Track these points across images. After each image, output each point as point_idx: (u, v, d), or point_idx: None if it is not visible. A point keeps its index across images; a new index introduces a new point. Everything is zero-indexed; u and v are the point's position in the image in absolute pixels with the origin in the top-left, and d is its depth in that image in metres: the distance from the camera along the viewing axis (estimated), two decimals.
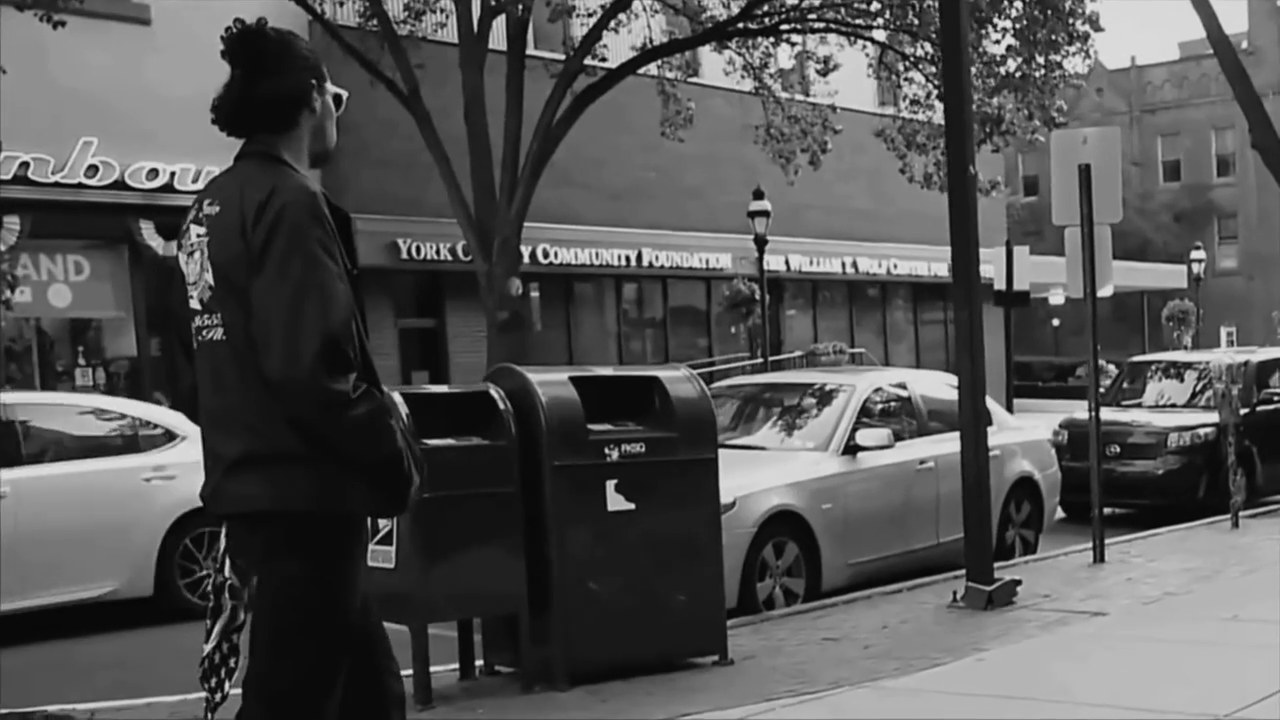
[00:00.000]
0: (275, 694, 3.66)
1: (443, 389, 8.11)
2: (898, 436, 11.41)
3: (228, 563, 3.76)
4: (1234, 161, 61.06)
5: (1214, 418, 14.65)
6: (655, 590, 7.74)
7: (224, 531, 3.77)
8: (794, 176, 26.18)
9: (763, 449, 11.02)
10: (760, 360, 28.71)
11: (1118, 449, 15.69)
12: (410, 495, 3.67)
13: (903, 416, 11.86)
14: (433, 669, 8.05)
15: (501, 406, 7.50)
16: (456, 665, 8.01)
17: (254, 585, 3.70)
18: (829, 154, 26.26)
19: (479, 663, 8.02)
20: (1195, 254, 46.77)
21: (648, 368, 8.46)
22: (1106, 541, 12.17)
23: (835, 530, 10.43)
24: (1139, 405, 17.08)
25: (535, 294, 30.51)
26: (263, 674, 3.67)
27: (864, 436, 10.89)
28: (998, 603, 9.37)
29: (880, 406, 11.75)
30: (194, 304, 3.71)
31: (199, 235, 3.70)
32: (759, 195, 27.52)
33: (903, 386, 12.14)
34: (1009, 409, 29.54)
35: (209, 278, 3.66)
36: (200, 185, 23.36)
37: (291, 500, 3.58)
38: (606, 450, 7.60)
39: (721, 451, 10.68)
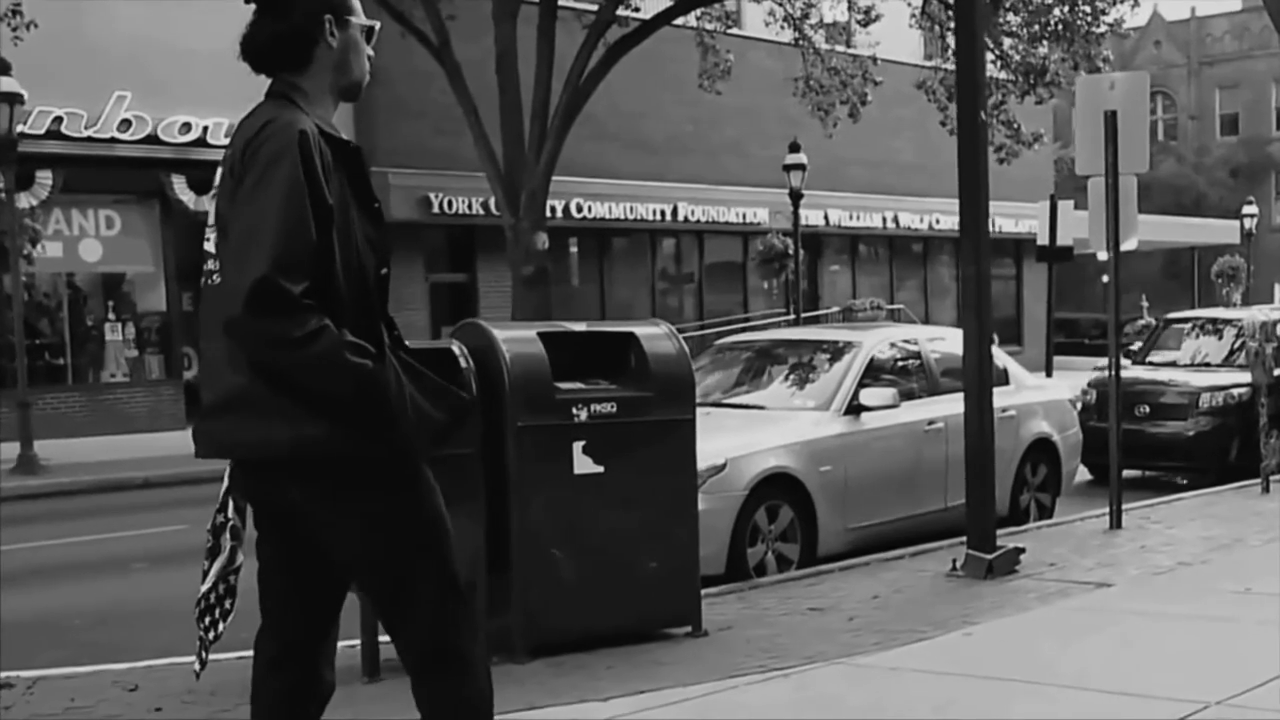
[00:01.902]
0: (432, 650, 3.64)
1: None
2: (907, 396, 10.96)
3: (230, 504, 3.74)
4: None
5: (1248, 377, 14.08)
6: (624, 557, 7.35)
7: (228, 473, 3.71)
8: (833, 129, 25.68)
9: (763, 408, 10.59)
10: (794, 316, 28.24)
11: (1147, 409, 15.15)
12: (412, 434, 3.53)
13: (913, 375, 11.38)
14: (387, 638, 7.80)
15: (464, 364, 7.12)
16: None
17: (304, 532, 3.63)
18: (873, 107, 25.73)
19: None
20: (1247, 209, 45.68)
21: (625, 323, 8.05)
22: (1128, 506, 11.72)
23: (834, 494, 10.00)
24: (1172, 364, 16.48)
25: (574, 249, 30.23)
26: (409, 636, 3.66)
27: (868, 396, 10.44)
28: (998, 572, 8.93)
29: (890, 365, 11.27)
30: (207, 245, 3.67)
31: (221, 178, 3.65)
32: (795, 148, 26.99)
33: (914, 344, 11.65)
34: (1049, 366, 29.07)
35: (216, 221, 3.63)
36: None
37: (266, 446, 3.50)
38: (575, 410, 7.20)
39: (719, 411, 10.46)
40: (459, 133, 23.30)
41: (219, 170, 3.68)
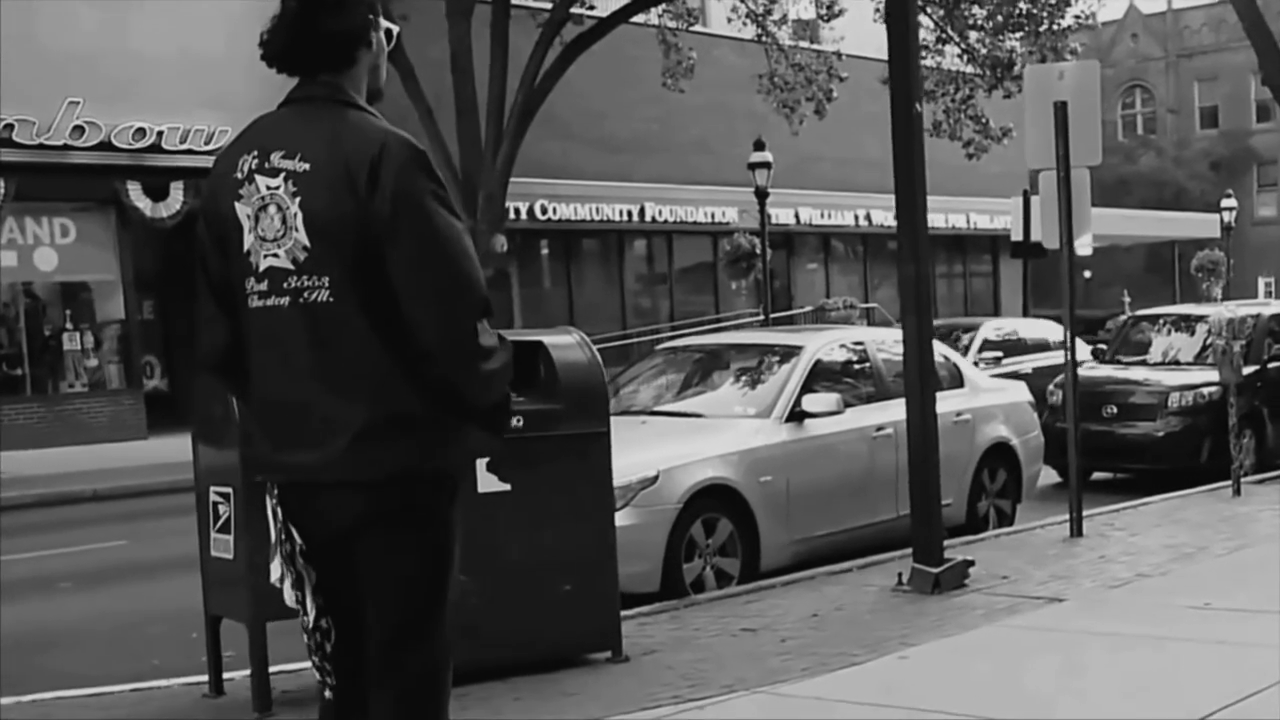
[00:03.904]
0: (440, 664, 3.57)
1: None
2: (855, 401, 10.49)
3: (293, 529, 3.55)
4: (1274, 107, 59.36)
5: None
6: (536, 581, 6.89)
7: (278, 496, 3.56)
8: (799, 127, 25.29)
9: (701, 416, 10.10)
10: (764, 317, 27.79)
11: (1115, 409, 14.69)
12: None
13: (862, 379, 10.89)
14: (296, 666, 7.34)
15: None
16: None
17: (374, 551, 3.52)
18: (841, 104, 25.33)
19: None
20: (1226, 202, 45.30)
21: (533, 332, 7.58)
22: (1093, 512, 11.36)
23: (776, 505, 9.50)
24: (1142, 362, 16.00)
25: (545, 251, 29.83)
26: (425, 653, 3.54)
27: (810, 402, 9.93)
28: (946, 586, 8.45)
29: (836, 369, 10.78)
30: (278, 261, 3.45)
31: (272, 187, 3.45)
32: (759, 146, 26.55)
33: (862, 346, 11.14)
34: None
35: (301, 237, 3.43)
36: (189, 145, 23.13)
37: (425, 462, 3.46)
38: None
39: (655, 419, 10.00)
40: (418, 135, 22.85)
41: (263, 179, 3.47)
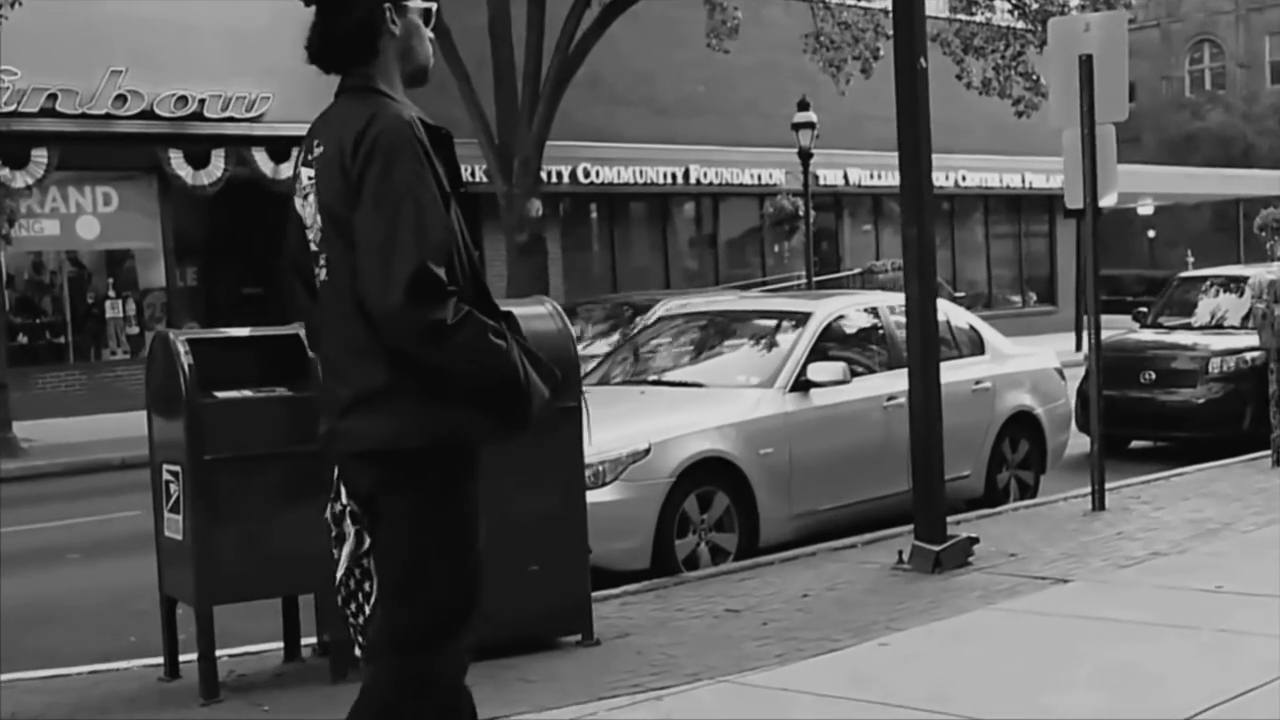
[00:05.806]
0: (406, 642, 3.57)
1: (244, 332, 7.04)
2: (866, 370, 10.09)
3: (343, 490, 3.67)
4: None
5: None
6: (501, 561, 6.48)
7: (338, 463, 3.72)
8: (846, 86, 24.71)
9: (701, 386, 9.73)
10: (805, 280, 27.29)
11: (1154, 375, 14.17)
12: (533, 414, 3.58)
13: (874, 347, 10.48)
14: (257, 648, 7.16)
15: (311, 353, 6.36)
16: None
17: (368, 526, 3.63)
18: (891, 62, 24.72)
19: (311, 641, 6.97)
20: None
21: (504, 302, 7.25)
22: (1121, 483, 10.95)
23: (776, 478, 9.12)
24: (1185, 326, 15.43)
25: (593, 214, 29.55)
26: (389, 623, 3.60)
27: (815, 371, 9.51)
28: (947, 565, 8.06)
29: (847, 336, 10.36)
30: (314, 247, 3.68)
31: (309, 178, 3.67)
32: (804, 106, 25.99)
33: (874, 312, 10.68)
34: (1078, 325, 27.84)
35: (319, 220, 3.63)
36: (230, 113, 23.01)
37: (402, 438, 3.49)
38: None
39: (654, 389, 9.68)
40: (455, 101, 22.61)
41: (304, 171, 3.67)
